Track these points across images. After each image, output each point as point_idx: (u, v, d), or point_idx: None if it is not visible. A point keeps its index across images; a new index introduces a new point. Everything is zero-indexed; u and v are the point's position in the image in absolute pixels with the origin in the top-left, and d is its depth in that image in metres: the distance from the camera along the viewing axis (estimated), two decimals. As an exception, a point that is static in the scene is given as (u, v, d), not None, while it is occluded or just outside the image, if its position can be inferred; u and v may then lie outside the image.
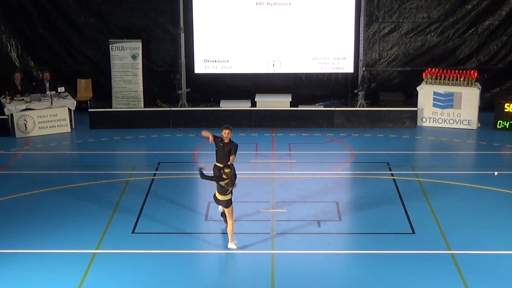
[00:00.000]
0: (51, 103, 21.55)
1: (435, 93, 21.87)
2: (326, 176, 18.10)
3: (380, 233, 15.07)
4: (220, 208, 14.86)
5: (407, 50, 23.37)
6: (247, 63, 22.82)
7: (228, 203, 14.25)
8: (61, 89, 22.11)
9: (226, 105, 22.69)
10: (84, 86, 23.51)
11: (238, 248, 14.33)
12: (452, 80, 21.84)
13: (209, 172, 14.86)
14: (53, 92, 21.86)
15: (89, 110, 22.38)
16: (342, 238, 15.08)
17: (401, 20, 23.12)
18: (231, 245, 14.31)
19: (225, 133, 14.70)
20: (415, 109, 21.99)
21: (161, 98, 23.42)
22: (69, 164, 19.45)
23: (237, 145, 14.79)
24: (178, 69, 23.08)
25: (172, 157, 19.60)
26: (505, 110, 21.46)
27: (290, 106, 22.53)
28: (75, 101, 22.11)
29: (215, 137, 14.82)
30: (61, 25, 23.31)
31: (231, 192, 14.24)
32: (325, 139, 20.99)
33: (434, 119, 21.98)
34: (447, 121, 21.86)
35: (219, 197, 14.25)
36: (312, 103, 23.33)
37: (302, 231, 14.96)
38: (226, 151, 14.73)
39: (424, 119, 22.06)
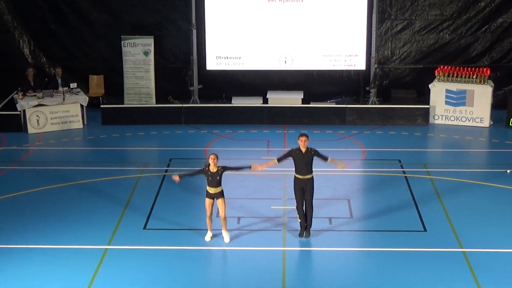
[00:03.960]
0: (63, 99, 21.60)
1: (447, 91, 21.80)
2: (337, 173, 18.07)
3: (391, 231, 15.04)
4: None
5: (419, 47, 23.30)
6: (259, 59, 22.81)
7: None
8: (73, 85, 22.16)
9: (238, 101, 22.70)
10: (96, 82, 23.55)
11: (250, 245, 14.35)
12: (465, 77, 21.76)
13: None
14: (66, 88, 21.92)
15: (101, 106, 22.42)
16: (353, 235, 15.06)
17: (413, 18, 23.06)
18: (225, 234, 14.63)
19: (302, 141, 14.39)
20: (427, 106, 21.93)
21: (173, 94, 23.46)
22: (81, 160, 19.49)
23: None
24: (190, 65, 23.10)
25: (183, 154, 19.61)
26: (518, 107, 21.42)
27: (302, 103, 22.53)
28: (87, 97, 22.15)
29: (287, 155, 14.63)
30: (74, 21, 23.37)
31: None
32: (336, 136, 20.97)
33: (446, 116, 21.91)
34: (459, 118, 21.79)
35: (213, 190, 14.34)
36: (324, 100, 23.30)
37: (313, 228, 14.92)
38: (306, 160, 14.46)
39: (436, 117, 21.99)
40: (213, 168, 14.20)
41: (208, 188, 14.34)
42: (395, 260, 13.84)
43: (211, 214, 14.51)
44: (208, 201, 14.41)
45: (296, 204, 14.68)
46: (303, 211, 14.65)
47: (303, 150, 14.38)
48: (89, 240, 14.58)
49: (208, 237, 14.62)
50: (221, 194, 14.38)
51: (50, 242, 14.53)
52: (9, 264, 13.66)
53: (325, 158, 14.58)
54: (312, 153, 14.44)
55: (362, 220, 15.65)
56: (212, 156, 14.19)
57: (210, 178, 14.25)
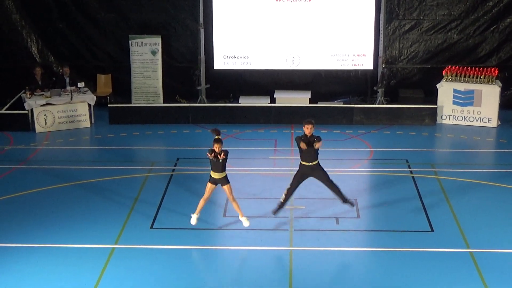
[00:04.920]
0: (71, 98, 21.64)
1: (455, 91, 21.76)
2: (344, 173, 18.06)
3: (398, 231, 15.02)
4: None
5: (427, 47, 23.27)
6: (267, 59, 22.80)
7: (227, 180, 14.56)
8: (81, 84, 22.19)
9: (245, 101, 22.70)
10: (104, 82, 23.59)
11: (256, 244, 14.35)
12: (473, 77, 21.72)
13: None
14: (73, 87, 21.94)
15: (109, 105, 22.45)
16: (360, 235, 15.05)
17: (421, 17, 23.03)
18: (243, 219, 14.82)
19: (308, 128, 14.41)
20: (435, 106, 21.90)
21: (180, 94, 23.47)
22: (88, 159, 19.53)
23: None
24: (198, 65, 23.11)
25: (191, 153, 19.62)
26: (526, 108, 21.38)
27: (309, 103, 22.52)
28: (95, 97, 22.19)
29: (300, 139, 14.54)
30: (81, 21, 23.41)
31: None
32: (344, 136, 20.95)
33: (454, 116, 21.87)
34: (467, 118, 21.75)
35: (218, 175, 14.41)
36: (331, 100, 23.29)
37: (320, 228, 14.94)
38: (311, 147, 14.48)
39: (443, 117, 21.96)
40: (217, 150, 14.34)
41: (212, 173, 14.41)
42: (402, 260, 13.82)
43: (207, 198, 14.64)
44: (210, 185, 14.53)
45: (289, 187, 14.78)
46: (290, 196, 14.83)
47: (309, 134, 14.47)
48: (96, 239, 14.60)
49: (194, 220, 14.75)
50: (225, 180, 14.46)
51: (56, 241, 14.55)
52: (16, 263, 13.68)
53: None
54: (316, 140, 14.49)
55: (369, 220, 15.64)
56: (216, 145, 14.32)
57: (213, 163, 14.33)
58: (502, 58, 23.16)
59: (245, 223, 14.73)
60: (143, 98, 23.08)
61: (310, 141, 14.43)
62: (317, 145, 14.36)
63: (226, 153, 14.41)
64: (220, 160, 14.33)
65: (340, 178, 17.59)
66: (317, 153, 14.58)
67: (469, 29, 23.02)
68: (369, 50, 22.63)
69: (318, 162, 14.62)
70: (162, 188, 17.17)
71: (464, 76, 21.81)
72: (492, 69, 21.69)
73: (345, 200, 14.98)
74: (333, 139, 20.65)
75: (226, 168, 14.54)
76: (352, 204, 15.09)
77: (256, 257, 14.06)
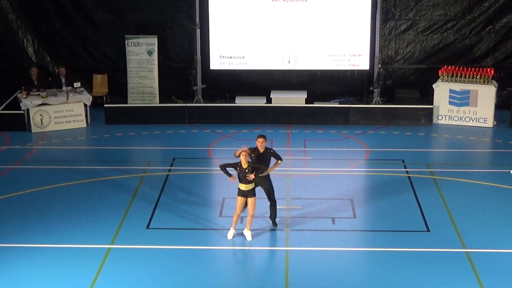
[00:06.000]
0: (67, 98, 21.62)
1: (451, 91, 21.79)
2: (341, 173, 18.06)
3: (394, 231, 15.03)
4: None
5: (423, 47, 23.28)
6: (263, 59, 22.79)
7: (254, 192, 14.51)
8: (77, 84, 22.17)
9: (242, 101, 22.69)
10: (100, 82, 23.57)
11: (253, 244, 14.35)
12: (469, 77, 21.74)
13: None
14: (69, 88, 21.92)
15: (105, 105, 22.44)
16: (356, 235, 15.05)
17: (417, 18, 23.04)
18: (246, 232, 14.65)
19: (260, 142, 14.63)
20: (431, 106, 21.92)
21: (176, 94, 23.44)
22: (84, 159, 19.50)
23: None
24: (194, 65, 23.08)
25: (187, 153, 19.62)
26: (522, 108, 21.40)
27: (306, 103, 22.51)
28: (91, 97, 22.17)
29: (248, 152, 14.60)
30: (78, 21, 23.39)
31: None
32: (340, 136, 20.96)
33: (450, 116, 21.89)
34: (463, 119, 21.77)
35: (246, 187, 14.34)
36: (328, 100, 23.28)
37: (316, 228, 14.94)
38: (265, 160, 14.72)
39: (439, 117, 21.98)
40: (244, 164, 14.20)
41: (240, 185, 14.36)
42: (398, 260, 13.83)
43: (240, 212, 14.53)
44: (240, 199, 14.42)
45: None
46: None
47: (261, 150, 14.65)
48: (92, 239, 14.59)
49: (230, 235, 14.60)
50: (253, 192, 14.42)
51: (53, 241, 14.54)
52: (13, 263, 13.67)
53: (276, 159, 14.81)
54: (270, 154, 14.78)
55: (365, 220, 15.65)
56: (243, 153, 14.21)
57: (241, 175, 14.25)
58: (498, 58, 23.19)
59: (249, 237, 14.62)
60: (139, 98, 23.06)
61: (263, 155, 14.66)
62: (251, 176, 14.37)
63: (252, 164, 14.34)
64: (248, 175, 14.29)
65: (336, 178, 17.66)
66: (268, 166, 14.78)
67: (465, 30, 23.05)
68: (365, 50, 22.64)
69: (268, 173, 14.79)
70: (158, 188, 17.16)
71: (460, 76, 21.83)
72: (488, 69, 21.72)
73: (273, 220, 15.07)
74: (329, 139, 20.66)
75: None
76: (276, 225, 15.11)
77: (253, 257, 14.06)
